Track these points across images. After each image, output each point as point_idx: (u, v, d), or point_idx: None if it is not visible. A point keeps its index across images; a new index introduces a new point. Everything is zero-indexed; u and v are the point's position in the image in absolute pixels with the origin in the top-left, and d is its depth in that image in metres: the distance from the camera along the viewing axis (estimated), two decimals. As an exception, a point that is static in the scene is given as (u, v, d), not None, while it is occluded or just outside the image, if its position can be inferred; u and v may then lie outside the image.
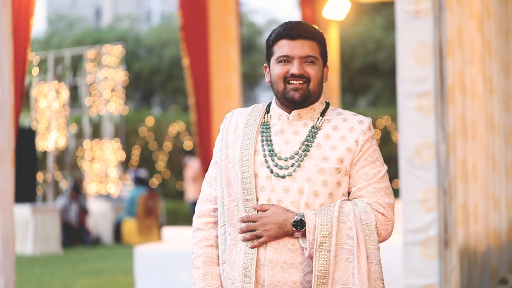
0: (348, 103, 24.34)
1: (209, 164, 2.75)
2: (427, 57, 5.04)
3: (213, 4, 9.51)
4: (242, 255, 2.56)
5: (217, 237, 2.67)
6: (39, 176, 15.99)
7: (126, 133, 18.84)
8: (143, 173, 17.31)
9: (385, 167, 2.64)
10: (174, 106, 27.59)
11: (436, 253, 5.00)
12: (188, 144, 20.03)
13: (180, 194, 19.97)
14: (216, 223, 2.69)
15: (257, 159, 2.60)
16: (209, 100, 9.37)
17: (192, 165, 15.22)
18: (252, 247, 2.55)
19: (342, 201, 2.56)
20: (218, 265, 2.66)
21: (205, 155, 9.20)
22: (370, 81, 24.43)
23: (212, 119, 9.39)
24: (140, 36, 28.91)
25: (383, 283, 2.55)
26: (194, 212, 2.81)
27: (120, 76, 16.86)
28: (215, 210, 2.69)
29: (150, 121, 20.54)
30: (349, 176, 2.61)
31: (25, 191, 12.70)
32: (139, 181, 15.89)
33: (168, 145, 20.35)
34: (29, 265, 11.30)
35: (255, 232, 2.55)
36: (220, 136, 2.71)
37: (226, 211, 2.61)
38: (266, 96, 30.56)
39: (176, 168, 20.23)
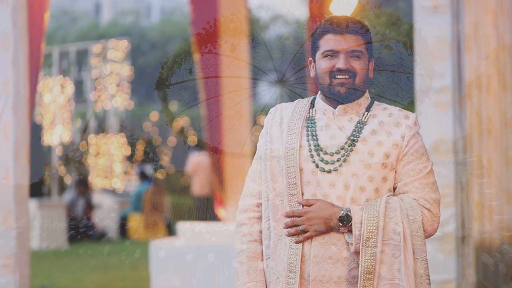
0: (352, 99, 24.26)
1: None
2: (445, 53, 5.03)
3: (222, -1, 9.49)
4: (287, 250, 2.55)
5: (261, 232, 2.66)
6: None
7: (131, 128, 18.80)
8: (148, 168, 17.25)
9: (431, 162, 2.63)
10: (175, 101, 27.48)
11: (454, 249, 4.99)
12: (192, 140, 19.98)
13: (184, 189, 19.92)
14: (259, 218, 2.67)
15: (302, 153, 2.58)
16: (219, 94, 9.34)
17: (191, 159, 15.07)
18: (297, 242, 2.54)
19: (388, 196, 2.55)
20: (262, 260, 2.64)
21: (214, 150, 9.16)
22: (374, 77, 24.37)
23: (222, 114, 9.35)
24: (144, 31, 28.83)
25: (429, 279, 2.53)
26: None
27: (125, 71, 16.82)
28: (259, 205, 2.67)
29: (154, 116, 20.49)
30: (395, 172, 2.59)
31: (31, 185, 12.65)
32: (145, 176, 15.83)
33: (172, 140, 20.30)
34: (37, 260, 11.27)
35: (300, 227, 2.53)
36: (265, 130, 2.71)
37: (271, 206, 2.60)
38: (270, 92, 30.46)
39: (181, 163, 20.19)
